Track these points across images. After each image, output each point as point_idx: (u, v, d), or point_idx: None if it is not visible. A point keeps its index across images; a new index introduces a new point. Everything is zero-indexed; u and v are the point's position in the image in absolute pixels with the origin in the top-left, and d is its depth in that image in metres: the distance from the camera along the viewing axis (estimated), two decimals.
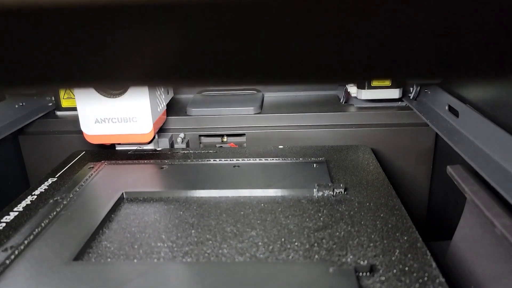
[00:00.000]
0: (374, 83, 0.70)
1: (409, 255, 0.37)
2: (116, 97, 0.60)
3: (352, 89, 0.73)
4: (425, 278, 0.34)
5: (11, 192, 0.68)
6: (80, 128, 0.73)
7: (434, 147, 0.68)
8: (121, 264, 0.38)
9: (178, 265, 0.38)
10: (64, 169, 0.59)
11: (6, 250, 0.40)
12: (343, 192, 0.49)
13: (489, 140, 0.48)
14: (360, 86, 0.71)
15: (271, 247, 0.40)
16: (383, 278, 0.34)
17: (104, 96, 0.60)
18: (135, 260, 0.39)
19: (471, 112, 0.52)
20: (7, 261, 0.38)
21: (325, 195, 0.49)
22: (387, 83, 0.70)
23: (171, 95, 0.74)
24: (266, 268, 0.36)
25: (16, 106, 0.71)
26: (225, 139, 0.74)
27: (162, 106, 0.67)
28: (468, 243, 0.47)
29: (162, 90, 0.67)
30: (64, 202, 0.49)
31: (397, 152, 0.69)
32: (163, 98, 0.68)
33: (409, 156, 0.69)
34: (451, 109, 0.59)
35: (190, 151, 0.64)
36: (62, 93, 0.76)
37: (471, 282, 0.43)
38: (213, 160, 0.59)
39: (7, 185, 0.71)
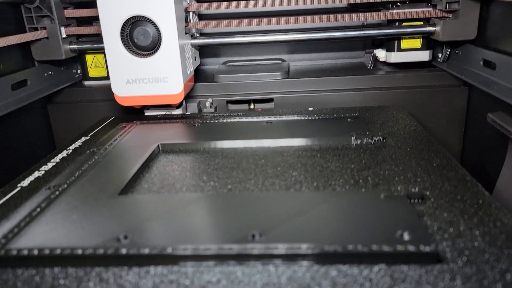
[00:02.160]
0: (404, 45, 0.69)
1: (459, 187, 0.36)
2: (147, 57, 0.60)
3: (381, 54, 0.72)
4: (480, 202, 0.33)
5: (39, 161, 0.68)
6: (107, 96, 0.73)
7: (467, 108, 0.67)
8: (168, 196, 0.38)
9: (225, 195, 0.37)
10: (96, 129, 0.59)
11: (49, 188, 0.40)
12: (381, 140, 0.48)
13: None
14: (390, 49, 0.70)
15: (315, 184, 0.39)
16: (435, 205, 0.34)
17: (135, 56, 0.60)
18: (178, 194, 0.38)
19: (509, 61, 0.51)
20: (52, 196, 0.38)
21: (364, 142, 0.48)
22: (417, 44, 0.69)
23: (198, 61, 0.73)
24: (315, 197, 0.35)
25: (45, 74, 0.71)
26: (252, 106, 0.73)
27: (191, 70, 0.67)
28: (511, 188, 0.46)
29: (191, 54, 0.67)
30: (101, 152, 0.49)
31: (428, 115, 0.68)
32: (191, 62, 0.67)
33: (441, 119, 0.68)
34: (486, 63, 0.58)
35: (220, 114, 0.63)
36: (89, 62, 0.76)
37: None
38: (245, 118, 0.59)
39: (36, 153, 0.71)
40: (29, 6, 0.66)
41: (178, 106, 0.67)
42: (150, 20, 0.58)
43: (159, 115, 0.65)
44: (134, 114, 0.68)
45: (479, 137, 0.63)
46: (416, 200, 0.34)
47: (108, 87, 0.66)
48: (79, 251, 0.29)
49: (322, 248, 0.27)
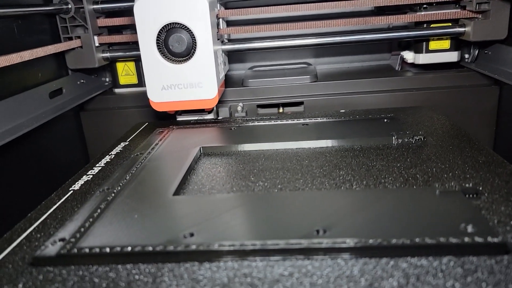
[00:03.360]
0: (432, 46, 0.69)
1: (510, 182, 0.37)
2: (182, 63, 0.61)
3: (408, 55, 0.73)
4: None
5: (73, 167, 0.70)
6: (137, 103, 0.74)
7: (497, 108, 0.67)
8: (222, 195, 0.39)
9: (278, 194, 0.38)
10: (134, 135, 0.60)
11: (103, 191, 0.41)
12: (422, 139, 0.49)
13: None
14: (418, 51, 0.71)
15: (365, 182, 0.40)
16: (491, 199, 0.34)
17: (170, 62, 0.61)
18: (232, 194, 0.39)
19: None
20: (108, 198, 0.39)
21: (405, 141, 0.49)
22: (446, 45, 0.69)
23: (227, 67, 0.74)
24: (370, 194, 0.36)
25: (78, 82, 0.73)
26: (281, 110, 0.74)
27: (222, 75, 0.68)
28: None
29: (222, 59, 0.68)
30: (146, 156, 0.50)
31: (458, 115, 0.68)
32: (222, 67, 0.68)
33: (471, 119, 0.68)
34: None
35: (254, 117, 0.64)
36: (120, 70, 0.78)
37: None
38: (280, 121, 0.60)
39: (70, 159, 0.73)
40: (64, 16, 0.67)
41: (210, 111, 0.68)
42: (185, 27, 0.60)
43: (192, 120, 0.66)
44: (166, 119, 0.69)
45: (511, 136, 0.64)
46: (471, 195, 0.35)
47: (139, 94, 0.67)
48: (150, 248, 0.29)
49: (389, 241, 0.28)
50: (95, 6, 0.69)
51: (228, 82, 0.77)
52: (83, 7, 0.67)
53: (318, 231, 0.30)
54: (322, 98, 0.71)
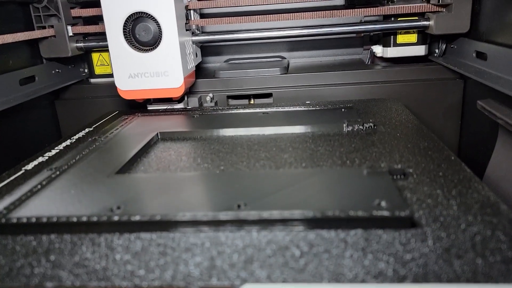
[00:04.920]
0: (400, 39, 0.70)
1: (442, 165, 0.38)
2: (148, 52, 0.62)
3: (378, 49, 0.73)
4: (461, 177, 0.34)
5: None
6: (112, 93, 0.75)
7: (462, 101, 0.68)
8: (161, 175, 0.40)
9: (215, 174, 0.39)
10: (100, 122, 0.61)
11: (50, 169, 0.42)
12: (373, 126, 0.49)
13: None
14: (386, 44, 0.71)
15: (303, 164, 0.40)
16: (417, 180, 0.35)
17: (137, 51, 0.62)
18: (169, 173, 0.40)
19: (499, 50, 0.52)
20: (53, 175, 0.40)
21: (355, 129, 0.49)
22: (413, 39, 0.70)
23: (199, 58, 0.76)
24: (301, 173, 0.37)
25: (53, 72, 0.74)
26: (252, 101, 0.75)
27: (191, 66, 0.69)
28: (501, 172, 0.47)
29: (192, 50, 0.69)
30: (102, 139, 0.51)
31: (425, 108, 0.69)
32: (192, 58, 0.70)
33: (438, 111, 0.69)
34: (478, 54, 0.59)
35: (220, 107, 0.65)
36: (95, 60, 0.79)
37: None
38: (243, 110, 0.61)
39: (44, 147, 0.74)
40: (37, 5, 0.69)
41: (180, 101, 0.69)
42: (151, 17, 0.61)
43: (161, 109, 0.67)
44: (138, 109, 0.70)
45: (474, 127, 0.64)
46: (398, 176, 0.36)
47: (113, 84, 0.68)
48: (74, 219, 0.30)
49: (302, 214, 0.29)
50: None
51: (203, 74, 0.78)
52: None
53: (239, 206, 0.31)
54: (291, 90, 0.71)
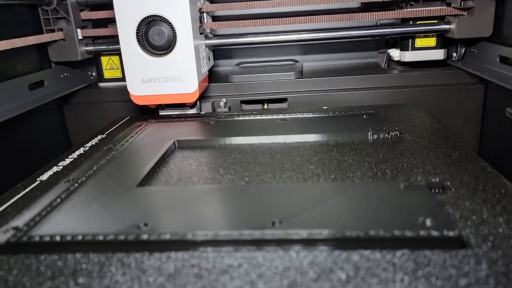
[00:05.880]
0: (418, 43, 0.69)
1: (480, 177, 0.36)
2: (162, 56, 0.60)
3: (395, 53, 0.72)
4: (503, 191, 0.33)
5: None
6: (121, 97, 0.74)
7: (483, 106, 0.66)
8: (186, 187, 0.38)
9: (243, 187, 0.37)
10: (112, 128, 0.60)
11: (68, 181, 0.40)
12: (398, 135, 0.48)
13: None
14: (404, 48, 0.70)
15: (333, 176, 0.39)
16: (457, 194, 0.33)
17: (150, 55, 0.60)
18: (194, 186, 0.38)
19: None
20: (71, 188, 0.38)
21: (380, 137, 0.48)
22: (432, 43, 0.68)
23: (212, 62, 0.74)
24: (334, 187, 0.35)
25: (61, 76, 0.72)
26: (266, 106, 0.73)
27: (205, 70, 0.67)
28: None
29: (205, 54, 0.68)
30: (118, 148, 0.49)
31: (444, 113, 0.67)
32: (205, 62, 0.68)
33: (457, 117, 0.67)
34: (502, 59, 0.57)
35: (234, 113, 0.63)
36: (104, 64, 0.77)
37: None
38: (260, 116, 0.59)
39: (52, 153, 0.72)
40: (46, 8, 0.67)
41: (193, 106, 0.67)
42: (166, 20, 0.59)
43: (174, 114, 0.66)
44: (149, 114, 0.69)
45: (497, 133, 0.63)
46: (436, 190, 0.34)
47: (123, 88, 0.66)
48: (101, 237, 0.29)
49: (343, 233, 0.27)
50: None
51: (214, 78, 0.77)
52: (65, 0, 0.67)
53: (273, 223, 0.29)
54: (306, 94, 0.70)
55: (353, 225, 0.28)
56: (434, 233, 0.26)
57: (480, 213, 0.30)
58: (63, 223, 0.32)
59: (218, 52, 0.83)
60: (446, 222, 0.27)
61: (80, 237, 0.29)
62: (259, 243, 0.28)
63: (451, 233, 0.26)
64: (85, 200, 0.35)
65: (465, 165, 0.39)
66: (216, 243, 0.28)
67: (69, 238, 0.29)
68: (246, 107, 0.73)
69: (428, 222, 0.28)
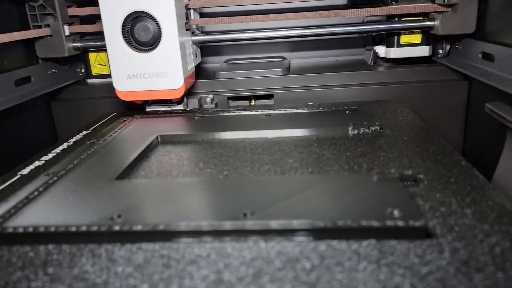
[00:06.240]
0: (403, 40, 0.69)
1: (453, 170, 0.36)
2: (147, 52, 0.60)
3: (381, 50, 0.72)
4: (474, 184, 0.33)
5: None
6: (110, 93, 0.74)
7: (467, 102, 0.67)
8: (163, 180, 0.38)
9: (219, 180, 0.38)
10: (98, 124, 0.60)
11: (47, 174, 0.40)
12: (379, 129, 0.48)
13: None
14: (389, 45, 0.70)
15: (310, 170, 0.39)
16: (429, 187, 0.34)
17: (136, 51, 0.60)
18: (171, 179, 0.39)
19: (507, 52, 0.51)
20: (50, 181, 0.38)
21: (361, 132, 0.48)
22: (417, 39, 0.69)
23: (199, 58, 0.74)
24: (308, 180, 0.36)
25: (49, 72, 0.72)
26: (253, 102, 0.74)
27: (191, 66, 0.67)
28: (510, 177, 0.45)
29: (192, 50, 0.68)
30: (101, 143, 0.49)
31: (429, 109, 0.68)
32: (192, 58, 0.68)
33: (442, 113, 0.68)
34: (485, 56, 0.58)
35: (220, 109, 0.64)
36: (92, 60, 0.78)
37: None
38: (244, 112, 0.59)
39: (39, 149, 0.72)
40: (33, 4, 0.67)
41: (179, 102, 0.67)
42: (151, 16, 0.59)
43: (160, 110, 0.66)
44: (136, 110, 0.69)
45: (479, 129, 0.63)
46: (409, 183, 0.34)
47: (111, 85, 0.66)
48: (73, 229, 0.29)
49: (312, 224, 0.28)
50: None
51: (202, 74, 0.77)
52: None
53: (245, 214, 0.29)
54: (293, 91, 0.70)
55: (323, 216, 0.28)
56: (400, 223, 0.27)
57: (449, 204, 0.31)
58: (39, 215, 0.32)
59: (208, 49, 0.84)
60: (414, 213, 0.28)
61: (53, 229, 0.29)
62: (229, 234, 0.28)
63: (416, 224, 0.27)
64: (62, 192, 0.36)
65: (441, 159, 0.39)
66: (187, 234, 0.28)
67: (42, 229, 0.29)
68: (233, 103, 0.73)
69: (396, 213, 0.28)
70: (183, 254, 0.27)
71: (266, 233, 0.28)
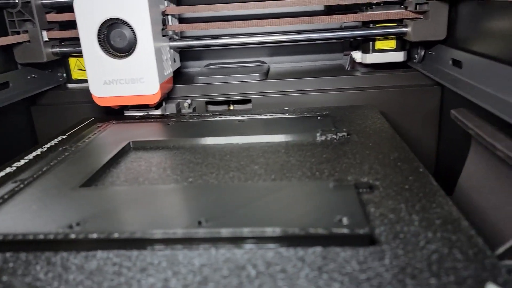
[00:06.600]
0: (378, 46, 0.70)
1: (410, 177, 0.37)
2: (123, 58, 0.61)
3: (357, 55, 0.73)
4: (426, 191, 0.34)
5: None
6: (90, 98, 0.74)
7: (440, 107, 0.68)
8: (126, 188, 0.39)
9: (181, 187, 0.39)
10: (74, 129, 0.60)
11: (15, 181, 0.41)
12: (346, 135, 0.49)
13: (491, 80, 0.48)
14: (365, 50, 0.71)
15: (273, 176, 0.40)
16: (383, 194, 0.35)
17: (111, 57, 0.61)
18: (140, 187, 0.39)
19: (474, 59, 0.53)
20: (16, 189, 0.39)
21: (328, 138, 0.49)
22: (392, 45, 0.70)
23: (178, 64, 0.75)
24: (268, 187, 0.36)
25: (28, 77, 0.73)
26: (231, 107, 0.74)
27: (169, 72, 0.68)
28: (472, 182, 0.47)
29: (169, 56, 0.69)
30: (73, 149, 0.50)
31: (403, 114, 0.69)
32: (169, 64, 0.69)
33: (416, 118, 0.69)
34: (455, 62, 0.59)
35: (197, 114, 0.64)
36: (72, 65, 0.78)
37: (476, 216, 0.43)
38: (219, 117, 0.60)
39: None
40: (11, 10, 0.67)
41: (157, 107, 0.68)
42: (126, 23, 0.60)
43: (137, 115, 0.66)
44: (115, 115, 0.69)
45: (451, 134, 0.64)
46: (364, 190, 0.35)
47: None
48: (30, 237, 0.30)
49: (263, 231, 0.28)
50: (43, 1, 0.69)
51: (182, 79, 0.78)
52: (30, 2, 0.67)
53: (200, 222, 0.30)
54: (271, 96, 0.71)
55: (275, 224, 0.29)
56: (345, 231, 0.28)
57: (398, 211, 0.32)
58: (0, 223, 0.32)
59: (188, 54, 0.84)
60: (360, 220, 0.29)
61: (11, 237, 0.30)
62: (182, 242, 0.29)
63: (361, 231, 0.28)
64: (26, 200, 0.36)
65: (400, 165, 0.40)
66: (140, 241, 0.29)
67: (0, 238, 0.30)
68: (211, 108, 0.74)
69: (345, 221, 0.29)
70: (135, 262, 0.28)
71: (216, 241, 0.29)
